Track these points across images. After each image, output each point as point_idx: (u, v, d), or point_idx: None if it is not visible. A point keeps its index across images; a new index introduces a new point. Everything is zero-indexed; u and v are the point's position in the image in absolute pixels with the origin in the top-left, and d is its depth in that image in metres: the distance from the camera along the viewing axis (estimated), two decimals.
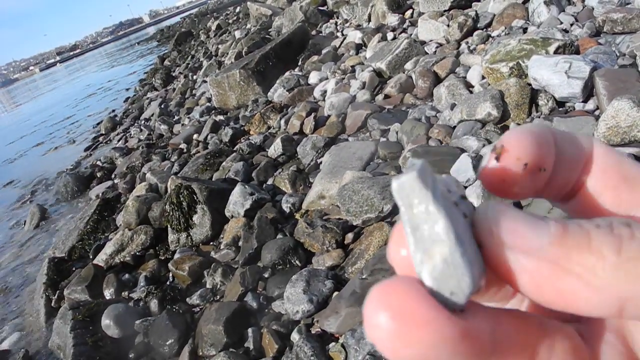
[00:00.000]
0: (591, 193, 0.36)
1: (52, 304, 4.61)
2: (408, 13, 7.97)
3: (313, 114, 5.90)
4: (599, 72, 3.69)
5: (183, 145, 7.43)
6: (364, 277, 3.02)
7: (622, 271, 0.29)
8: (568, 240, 0.30)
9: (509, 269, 0.31)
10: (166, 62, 18.69)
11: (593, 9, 4.93)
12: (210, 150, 6.26)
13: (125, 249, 4.80)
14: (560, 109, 3.88)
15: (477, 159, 3.48)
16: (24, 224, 7.57)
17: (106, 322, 3.76)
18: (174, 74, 15.01)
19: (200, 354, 3.24)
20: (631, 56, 3.94)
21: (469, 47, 5.72)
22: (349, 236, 3.64)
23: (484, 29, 5.99)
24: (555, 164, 0.35)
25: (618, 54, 4.06)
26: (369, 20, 8.93)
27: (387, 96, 5.61)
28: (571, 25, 4.87)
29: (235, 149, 6.12)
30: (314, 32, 10.25)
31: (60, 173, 9.53)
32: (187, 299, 3.89)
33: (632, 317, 0.31)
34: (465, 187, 3.18)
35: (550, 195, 0.37)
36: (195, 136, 7.46)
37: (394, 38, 7.17)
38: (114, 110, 14.35)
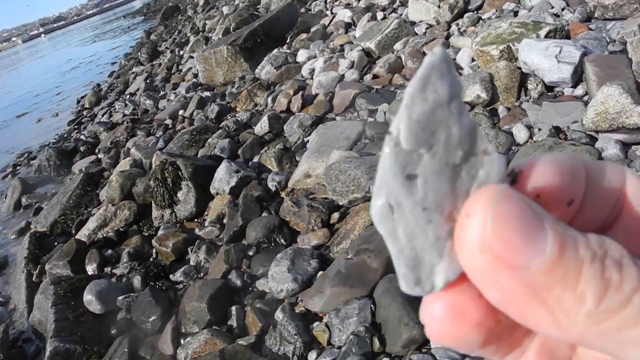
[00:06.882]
0: (627, 226, 0.33)
1: (34, 279, 4.57)
2: None
3: (300, 92, 5.84)
4: (589, 58, 3.69)
5: (168, 121, 7.34)
6: (349, 257, 3.02)
7: (593, 323, 0.27)
8: (559, 270, 0.27)
9: (481, 276, 0.29)
10: (152, 37, 18.40)
11: None
12: (196, 126, 6.19)
13: (109, 225, 4.75)
14: (550, 93, 3.88)
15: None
16: (5, 198, 7.45)
17: (88, 297, 3.73)
18: (160, 49, 14.77)
19: (183, 331, 3.23)
20: (621, 42, 3.94)
21: (459, 28, 5.68)
22: (335, 216, 3.63)
23: (475, 11, 5.95)
24: (585, 196, 0.32)
25: (608, 40, 4.06)
26: None
27: (375, 76, 5.57)
28: (562, 9, 4.85)
29: (221, 125, 6.05)
30: (303, 10, 10.13)
31: (43, 146, 9.39)
32: (171, 276, 3.87)
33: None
34: None
35: (579, 227, 0.33)
36: (181, 112, 7.38)
37: (384, 18, 7.11)
38: (98, 85, 14.11)
